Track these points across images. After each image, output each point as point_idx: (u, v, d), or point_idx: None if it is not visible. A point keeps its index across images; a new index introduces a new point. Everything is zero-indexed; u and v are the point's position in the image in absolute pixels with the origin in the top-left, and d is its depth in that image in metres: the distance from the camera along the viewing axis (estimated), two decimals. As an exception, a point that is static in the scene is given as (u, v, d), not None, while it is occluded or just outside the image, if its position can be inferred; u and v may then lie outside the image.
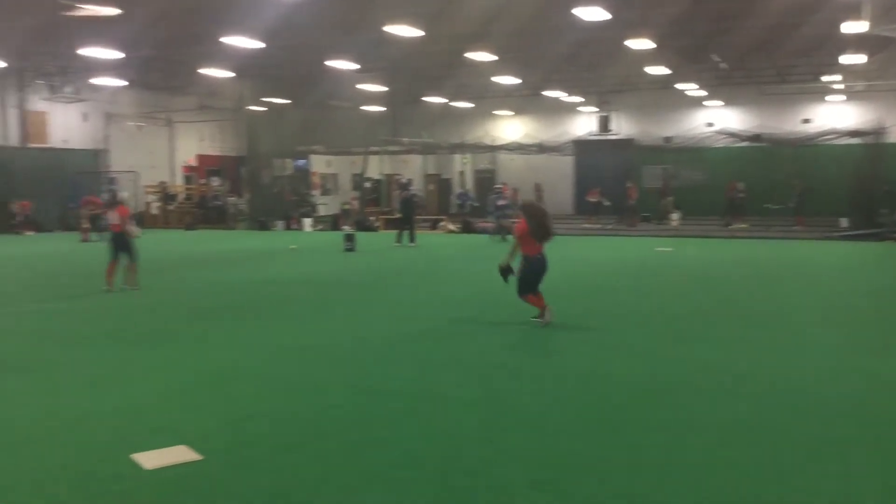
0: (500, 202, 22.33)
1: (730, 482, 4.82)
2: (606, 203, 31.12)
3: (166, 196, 34.01)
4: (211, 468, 5.06)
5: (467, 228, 28.72)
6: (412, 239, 21.95)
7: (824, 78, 31.23)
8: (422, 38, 21.19)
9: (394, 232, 23.35)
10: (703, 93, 34.86)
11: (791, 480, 4.86)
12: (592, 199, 31.29)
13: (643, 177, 34.54)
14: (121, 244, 13.10)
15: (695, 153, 33.38)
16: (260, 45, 22.14)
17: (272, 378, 7.42)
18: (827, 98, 33.64)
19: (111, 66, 27.69)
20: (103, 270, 13.25)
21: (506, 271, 9.88)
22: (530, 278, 9.75)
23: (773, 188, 30.71)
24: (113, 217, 13.33)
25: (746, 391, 6.82)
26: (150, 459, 5.13)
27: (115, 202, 14.04)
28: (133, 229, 13.48)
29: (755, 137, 31.25)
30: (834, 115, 33.24)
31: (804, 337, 9.13)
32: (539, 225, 9.69)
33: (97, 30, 21.17)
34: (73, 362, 8.11)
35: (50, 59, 28.86)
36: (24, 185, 28.76)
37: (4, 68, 27.15)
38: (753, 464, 5.09)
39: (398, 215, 23.20)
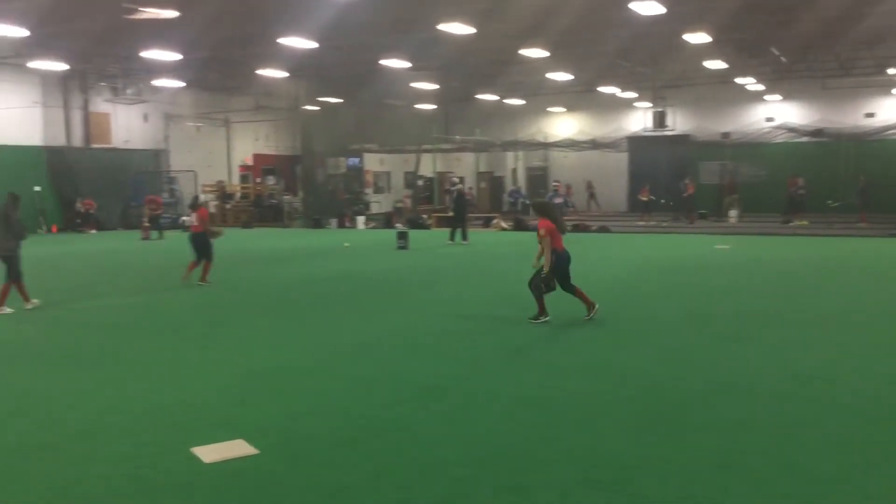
0: (557, 200, 22.02)
1: (789, 486, 4.71)
2: (653, 199, 30.65)
3: (223, 195, 34.62)
4: (268, 463, 5.13)
5: (520, 226, 28.60)
6: (464, 237, 21.92)
7: (889, 70, 30.26)
8: (475, 35, 21.15)
9: (446, 230, 23.36)
10: (762, 87, 34.09)
11: (853, 485, 4.72)
12: (643, 197, 30.89)
13: (700, 173, 33.96)
14: (200, 244, 13.75)
15: (753, 149, 32.69)
16: (314, 45, 22.37)
17: (327, 374, 7.50)
18: (892, 91, 32.57)
19: (170, 67, 28.28)
20: (164, 267, 13.60)
21: (549, 280, 9.66)
22: (567, 272, 9.84)
23: (835, 184, 29.92)
24: (194, 219, 14.30)
25: (806, 393, 6.66)
26: (209, 453, 5.23)
27: (196, 204, 14.79)
28: (217, 230, 14.50)
29: (817, 132, 30.46)
30: (899, 109, 32.20)
31: (866, 338, 8.87)
32: (556, 219, 9.90)
33: (157, 32, 21.66)
34: (136, 357, 8.32)
35: (112, 61, 29.60)
36: (87, 185, 29.58)
37: (69, 71, 27.94)
38: (813, 467, 4.97)
39: (451, 214, 23.09)
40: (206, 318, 10.82)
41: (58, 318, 10.89)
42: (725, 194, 31.85)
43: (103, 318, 10.83)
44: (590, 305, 9.90)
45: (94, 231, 28.72)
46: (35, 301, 11.49)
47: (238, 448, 5.33)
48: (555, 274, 9.65)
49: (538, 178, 40.98)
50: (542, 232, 9.69)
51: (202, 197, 16.58)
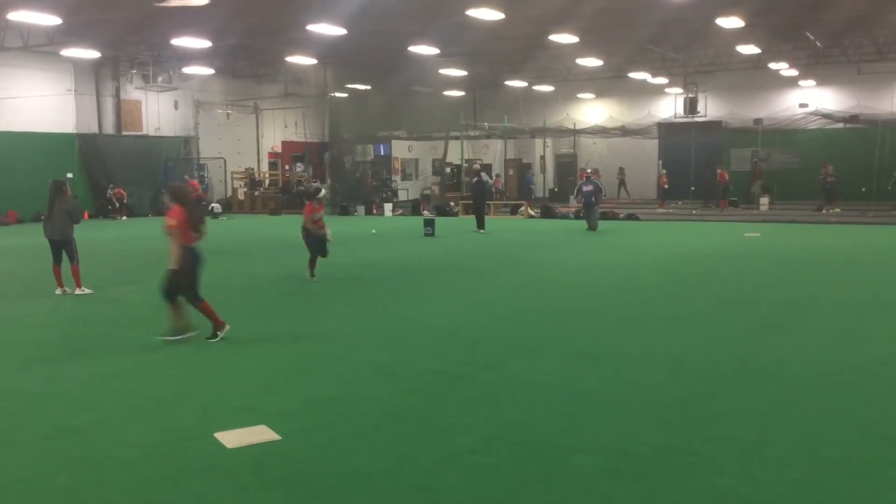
0: (586, 188, 21.67)
1: (814, 476, 4.62)
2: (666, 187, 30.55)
3: (252, 182, 34.84)
4: (290, 448, 5.15)
5: (547, 213, 28.45)
6: (481, 225, 21.74)
7: (928, 55, 29.58)
8: (503, 21, 20.99)
9: (473, 217, 23.28)
10: (796, 72, 33.48)
11: (880, 477, 4.63)
12: (663, 184, 30.66)
13: (732, 160, 33.51)
14: (314, 241, 12.65)
15: (786, 135, 32.15)
16: (343, 31, 22.36)
17: (351, 361, 7.50)
18: (931, 76, 31.84)
19: (200, 54, 28.49)
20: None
21: (181, 280, 8.17)
22: (196, 275, 8.35)
23: (870, 172, 29.36)
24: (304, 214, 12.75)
25: (836, 383, 6.54)
26: (231, 439, 5.26)
27: (318, 196, 13.11)
28: (325, 231, 12.78)
29: (852, 118, 29.86)
30: (938, 94, 31.46)
31: (902, 328, 8.69)
32: (192, 210, 8.45)
33: (187, 20, 21.79)
34: (162, 343, 8.37)
35: (143, 49, 29.88)
36: (118, 172, 29.95)
37: (101, 58, 28.24)
38: (840, 459, 4.87)
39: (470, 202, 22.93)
40: (234, 303, 10.88)
41: (87, 303, 11.02)
42: (752, 181, 31.40)
43: (132, 305, 10.94)
44: (218, 325, 8.29)
45: (124, 218, 29.06)
46: (85, 289, 11.59)
47: (261, 434, 5.36)
48: (182, 276, 8.14)
49: (567, 164, 40.70)
50: (171, 223, 8.13)
51: (324, 190, 13.93)
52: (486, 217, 22.33)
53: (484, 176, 23.23)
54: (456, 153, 35.56)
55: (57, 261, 11.58)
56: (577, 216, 25.90)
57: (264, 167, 37.08)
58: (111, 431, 5.56)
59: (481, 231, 21.49)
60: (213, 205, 30.60)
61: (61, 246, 11.50)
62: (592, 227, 21.36)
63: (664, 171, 31.93)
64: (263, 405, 6.07)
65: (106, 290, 11.98)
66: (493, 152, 40.56)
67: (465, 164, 33.53)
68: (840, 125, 30.82)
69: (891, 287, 11.71)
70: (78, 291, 11.52)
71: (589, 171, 23.57)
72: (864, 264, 14.33)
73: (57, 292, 11.52)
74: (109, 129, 30.77)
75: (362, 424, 5.62)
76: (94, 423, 5.77)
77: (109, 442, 5.34)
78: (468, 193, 23.44)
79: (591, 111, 39.59)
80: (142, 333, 8.86)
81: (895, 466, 4.77)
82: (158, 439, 5.35)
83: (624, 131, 35.15)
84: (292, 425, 5.58)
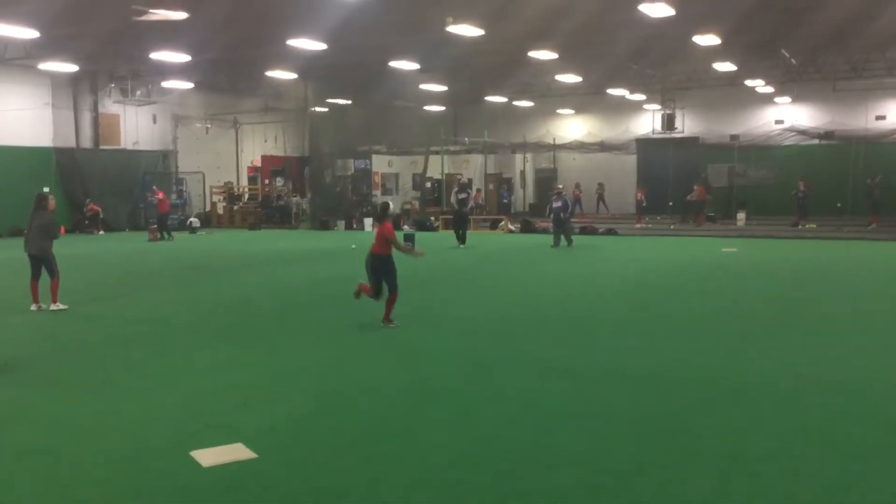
0: (556, 204, 21.69)
1: (790, 493, 4.66)
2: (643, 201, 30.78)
3: (231, 196, 34.68)
4: (266, 466, 5.11)
5: (526, 228, 28.54)
6: (461, 240, 21.80)
7: (901, 72, 30.07)
8: (483, 37, 21.12)
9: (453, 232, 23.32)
10: (772, 89, 33.91)
11: (856, 492, 4.67)
12: (640, 198, 30.93)
13: (709, 176, 33.82)
14: (381, 268, 9.93)
15: (762, 151, 32.53)
16: (323, 46, 22.39)
17: (329, 377, 7.47)
18: (903, 93, 32.36)
19: (180, 68, 28.37)
20: (171, 270, 13.51)
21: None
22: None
23: (845, 187, 29.76)
24: (374, 234, 10.15)
25: (811, 398, 6.60)
26: (207, 457, 5.22)
27: (384, 215, 10.29)
28: (416, 250, 11.18)
29: (827, 135, 30.28)
30: (910, 111, 31.98)
31: (874, 343, 8.80)
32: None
33: (166, 34, 21.72)
34: (140, 359, 8.30)
35: (122, 62, 29.71)
36: (96, 186, 29.68)
37: (79, 72, 28.05)
38: (816, 474, 4.92)
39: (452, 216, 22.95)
40: (214, 320, 10.82)
41: (61, 319, 10.91)
42: (702, 196, 31.83)
43: (107, 321, 10.84)
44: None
45: (100, 232, 28.77)
46: (60, 305, 11.45)
47: (237, 452, 5.32)
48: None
49: (547, 179, 40.90)
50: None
51: (392, 206, 10.95)
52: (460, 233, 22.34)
53: (470, 192, 23.32)
54: (436, 168, 35.62)
55: (35, 276, 11.45)
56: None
57: (244, 181, 36.94)
58: (84, 450, 5.49)
59: (461, 246, 21.51)
60: (191, 219, 30.42)
61: (39, 261, 11.40)
62: (556, 244, 21.27)
63: (642, 187, 32.10)
64: (240, 422, 6.02)
65: (81, 307, 11.85)
66: (474, 167, 40.68)
67: (455, 178, 33.57)
68: (815, 141, 31.23)
69: (865, 302, 11.84)
70: (53, 307, 11.39)
71: (560, 186, 23.70)
72: (839, 279, 14.49)
73: (32, 308, 11.39)
74: (87, 143, 30.53)
75: (339, 441, 5.59)
76: (66, 442, 5.70)
77: (82, 461, 5.28)
78: (448, 208, 23.40)
79: (571, 127, 39.87)
80: (115, 350, 8.78)
81: (868, 481, 4.81)
82: (132, 458, 5.30)
83: (603, 147, 35.43)
84: (269, 442, 5.54)
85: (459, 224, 22.46)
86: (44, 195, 11.81)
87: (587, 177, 37.99)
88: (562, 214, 21.33)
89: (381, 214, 10.33)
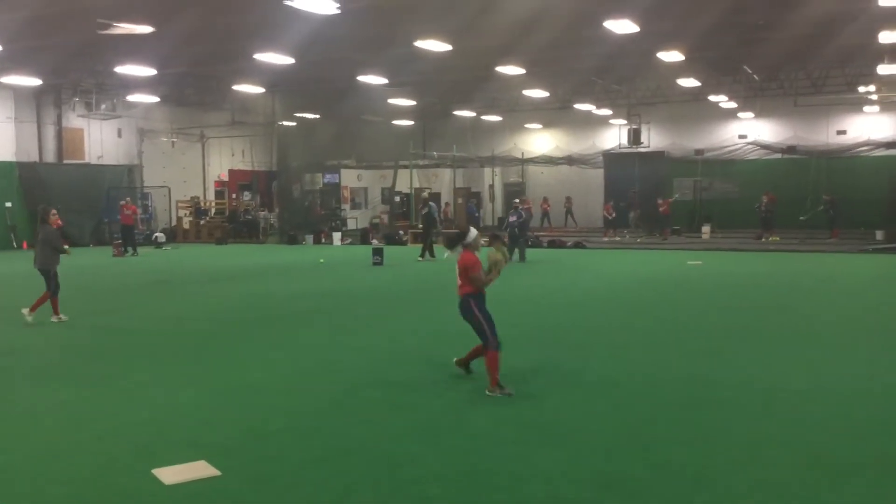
0: (511, 218, 21.68)
1: (758, 501, 4.70)
2: (614, 216, 31.10)
3: (198, 211, 34.37)
4: (230, 484, 5.04)
5: (495, 241, 28.59)
6: (427, 253, 21.83)
7: (860, 88, 30.74)
8: (451, 52, 21.24)
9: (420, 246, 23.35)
10: (735, 105, 34.49)
11: (820, 500, 4.73)
12: (609, 214, 31.26)
13: (674, 189, 34.24)
14: (465, 313, 7.45)
15: (726, 165, 33.03)
16: (291, 60, 22.35)
17: (297, 393, 7.41)
18: (863, 109, 33.09)
19: (145, 82, 28.12)
20: (137, 285, 13.34)
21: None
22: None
23: (807, 200, 30.31)
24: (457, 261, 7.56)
25: (776, 408, 6.68)
26: (170, 475, 5.13)
27: (458, 242, 7.61)
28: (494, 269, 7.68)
29: (789, 149, 30.84)
30: (869, 125, 32.69)
31: (836, 353, 8.93)
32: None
33: (132, 47, 21.54)
34: (103, 375, 8.17)
35: (86, 76, 29.39)
36: (60, 201, 29.16)
37: (42, 86, 27.69)
38: (782, 484, 4.96)
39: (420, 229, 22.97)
40: (175, 336, 10.68)
41: (28, 333, 10.70)
42: (631, 209, 32.34)
43: (67, 336, 10.66)
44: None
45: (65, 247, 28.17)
46: (61, 317, 11.62)
47: (200, 469, 5.24)
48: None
49: (515, 193, 41.09)
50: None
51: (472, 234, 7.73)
52: (435, 246, 22.35)
53: (432, 206, 23.36)
54: (405, 182, 35.67)
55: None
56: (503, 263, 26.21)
57: (211, 196, 36.63)
58: (44, 468, 5.38)
59: (429, 259, 21.48)
60: (156, 234, 30.08)
61: (42, 274, 11.54)
62: (509, 259, 21.27)
63: (610, 202, 32.41)
64: (204, 439, 5.94)
65: (45, 322, 11.64)
66: (443, 181, 40.78)
67: (415, 194, 33.63)
68: (778, 155, 31.77)
69: (827, 313, 12.03)
70: (28, 317, 11.33)
71: (517, 201, 23.82)
72: (802, 291, 14.71)
73: (52, 319, 11.55)
74: (51, 157, 30.08)
75: (305, 457, 5.54)
76: (26, 458, 5.58)
77: (42, 479, 5.16)
78: (416, 223, 23.39)
79: (539, 141, 40.16)
80: (76, 366, 8.64)
81: (832, 491, 4.88)
82: (93, 476, 5.20)
83: (570, 161, 35.72)
84: (233, 459, 5.47)
85: (424, 238, 22.49)
86: (45, 208, 11.99)
87: (555, 191, 38.30)
88: (517, 229, 21.15)
89: (455, 241, 7.61)
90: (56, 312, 11.63)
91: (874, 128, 32.31)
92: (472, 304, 7.31)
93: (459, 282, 7.42)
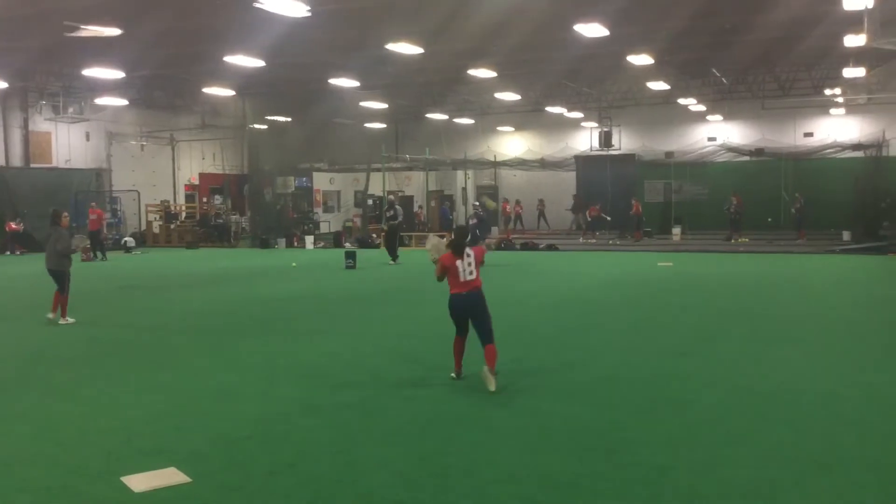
0: (472, 222, 21.70)
1: (721, 501, 4.76)
2: (608, 218, 31.20)
3: (168, 215, 34.04)
4: (200, 491, 5.01)
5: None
6: (392, 257, 21.86)
7: (826, 91, 31.26)
8: (423, 55, 21.26)
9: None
10: (704, 108, 34.91)
11: (782, 499, 4.80)
12: (594, 214, 31.37)
13: (645, 192, 34.50)
14: (484, 306, 7.68)
15: (697, 168, 33.38)
16: (261, 63, 22.23)
17: (267, 398, 7.37)
18: (829, 111, 33.62)
19: (114, 85, 27.84)
20: (105, 290, 13.20)
21: None
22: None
23: (776, 202, 30.73)
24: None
25: (744, 406, 6.77)
26: (139, 482, 5.09)
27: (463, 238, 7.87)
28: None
29: (757, 152, 31.25)
30: (836, 128, 33.22)
31: (802, 353, 9.06)
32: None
33: (100, 50, 21.31)
34: (69, 382, 8.07)
35: (53, 79, 29.03)
36: (26, 205, 28.75)
37: (8, 88, 27.31)
38: (748, 482, 5.03)
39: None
40: (145, 342, 10.58)
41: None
42: (577, 212, 32.70)
43: (32, 343, 10.51)
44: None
45: (18, 252, 27.41)
46: (68, 319, 11.75)
47: (169, 476, 5.20)
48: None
49: (490, 196, 41.20)
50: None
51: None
52: (409, 248, 22.33)
53: (398, 209, 23.28)
54: (378, 185, 35.61)
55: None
56: (497, 247, 26.32)
57: (181, 200, 36.30)
58: (8, 476, 5.31)
59: (392, 263, 21.39)
60: (125, 239, 29.75)
61: (53, 275, 11.71)
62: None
63: (598, 205, 32.49)
64: (173, 446, 5.89)
65: (4, 327, 11.48)
66: (416, 184, 40.77)
67: (386, 196, 33.58)
68: (746, 158, 32.18)
69: (794, 313, 12.21)
70: (64, 320, 11.67)
71: (476, 203, 23.91)
72: (770, 292, 14.90)
73: (60, 321, 11.71)
74: (17, 161, 29.63)
75: (275, 463, 5.51)
76: (-9, 469, 5.51)
77: (5, 487, 5.10)
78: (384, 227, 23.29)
79: (511, 144, 40.31)
80: (40, 372, 8.52)
81: (798, 488, 4.95)
82: (60, 484, 5.14)
83: (543, 163, 35.89)
84: (203, 466, 5.43)
85: (390, 240, 22.44)
86: (57, 211, 12.21)
87: (528, 193, 38.45)
88: (477, 232, 21.09)
89: (463, 237, 7.82)
90: (63, 315, 11.75)
91: (840, 130, 32.83)
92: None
93: (473, 276, 7.53)
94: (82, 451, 5.83)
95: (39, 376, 8.42)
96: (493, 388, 7.19)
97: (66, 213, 12.29)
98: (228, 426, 6.42)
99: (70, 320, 11.75)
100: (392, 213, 22.80)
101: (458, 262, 7.51)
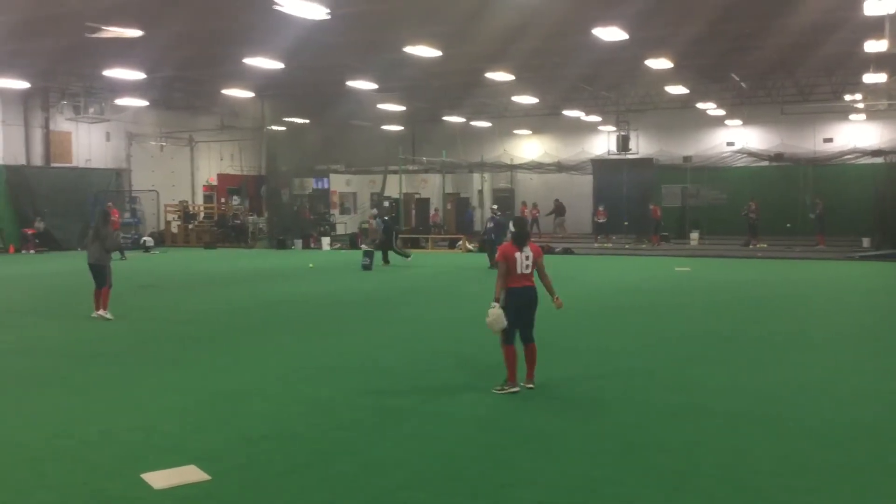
0: (489, 225, 21.77)
1: (742, 508, 4.76)
2: (604, 221, 31.30)
3: (186, 215, 34.26)
4: (219, 489, 5.05)
5: (484, 248, 28.64)
6: (385, 259, 21.97)
7: (846, 97, 31.03)
8: (441, 58, 21.30)
9: (410, 251, 23.38)
10: (723, 112, 34.72)
11: (805, 506, 4.78)
12: (600, 219, 31.37)
13: (663, 196, 34.35)
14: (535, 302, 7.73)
15: (714, 172, 33.19)
16: (280, 65, 22.35)
17: (284, 398, 7.41)
18: (849, 117, 33.35)
19: (134, 86, 28.07)
20: (124, 290, 13.29)
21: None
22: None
23: (794, 208, 30.50)
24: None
25: (763, 414, 6.73)
26: (159, 479, 5.14)
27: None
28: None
29: (776, 157, 31.04)
30: (856, 134, 32.95)
31: (822, 361, 9.00)
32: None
33: (121, 51, 21.50)
34: (90, 380, 8.15)
35: (75, 79, 29.30)
36: (47, 204, 29.03)
37: (30, 89, 27.59)
38: (768, 488, 5.01)
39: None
40: (164, 341, 10.66)
41: (5, 338, 10.66)
42: (556, 216, 32.64)
43: (52, 342, 10.61)
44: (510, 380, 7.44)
45: (32, 252, 27.60)
46: (107, 314, 12.18)
47: (189, 474, 5.25)
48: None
49: (504, 199, 41.16)
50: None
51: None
52: (424, 251, 22.39)
53: (386, 220, 23.39)
54: (394, 187, 35.68)
55: (98, 285, 12.31)
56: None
57: (199, 200, 36.52)
58: (31, 473, 5.37)
59: (386, 265, 21.59)
60: (144, 238, 29.96)
61: (94, 270, 12.25)
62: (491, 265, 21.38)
63: (602, 208, 32.45)
64: (193, 444, 5.94)
65: (27, 327, 11.58)
66: (432, 186, 40.80)
67: (413, 197, 33.66)
68: (765, 163, 31.97)
69: (813, 319, 12.13)
70: (101, 313, 12.18)
71: (494, 207, 23.88)
72: (789, 298, 14.81)
73: (93, 315, 12.22)
74: (38, 160, 29.93)
75: (293, 462, 5.55)
76: (12, 463, 5.57)
77: (29, 484, 5.16)
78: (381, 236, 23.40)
79: (528, 147, 40.27)
80: (62, 371, 8.61)
81: (815, 497, 4.93)
82: (81, 481, 5.19)
83: (559, 167, 35.82)
84: (222, 464, 5.47)
85: (385, 246, 22.46)
86: (106, 211, 13.27)
87: (544, 196, 38.37)
88: (492, 236, 21.05)
89: (524, 228, 7.93)
90: (105, 307, 12.23)
91: (860, 136, 32.55)
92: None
93: (529, 271, 7.50)
94: (103, 449, 5.89)
95: (60, 375, 8.49)
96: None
97: (116, 212, 13.13)
98: (247, 425, 6.47)
99: (108, 316, 12.15)
100: (379, 220, 22.85)
101: (518, 255, 7.45)
